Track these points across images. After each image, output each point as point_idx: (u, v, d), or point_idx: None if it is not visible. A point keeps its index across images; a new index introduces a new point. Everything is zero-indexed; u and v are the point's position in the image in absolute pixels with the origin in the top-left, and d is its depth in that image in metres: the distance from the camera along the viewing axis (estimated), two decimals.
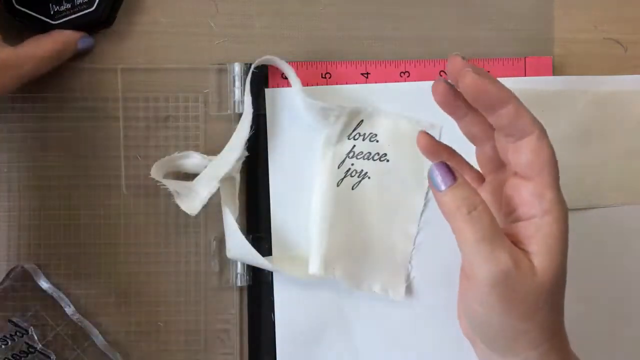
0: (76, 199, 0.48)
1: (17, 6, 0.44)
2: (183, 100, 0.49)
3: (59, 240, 0.48)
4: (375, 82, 0.49)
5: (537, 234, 0.34)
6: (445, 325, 0.46)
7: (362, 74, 0.49)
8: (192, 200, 0.47)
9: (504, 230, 0.35)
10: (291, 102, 0.48)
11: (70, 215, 0.48)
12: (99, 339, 0.47)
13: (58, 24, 0.45)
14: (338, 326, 0.49)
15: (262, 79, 0.48)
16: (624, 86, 0.50)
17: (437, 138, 0.48)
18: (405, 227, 0.49)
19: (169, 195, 0.47)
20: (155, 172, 0.46)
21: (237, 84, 0.48)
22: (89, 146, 0.48)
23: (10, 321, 0.47)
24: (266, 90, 0.48)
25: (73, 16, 0.45)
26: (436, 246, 0.48)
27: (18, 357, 0.47)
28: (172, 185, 0.46)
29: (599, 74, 0.50)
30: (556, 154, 0.37)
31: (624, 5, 0.51)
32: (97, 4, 0.44)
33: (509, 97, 0.35)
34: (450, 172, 0.35)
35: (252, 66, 0.47)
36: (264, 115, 0.48)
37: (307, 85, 0.48)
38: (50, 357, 0.47)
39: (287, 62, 0.47)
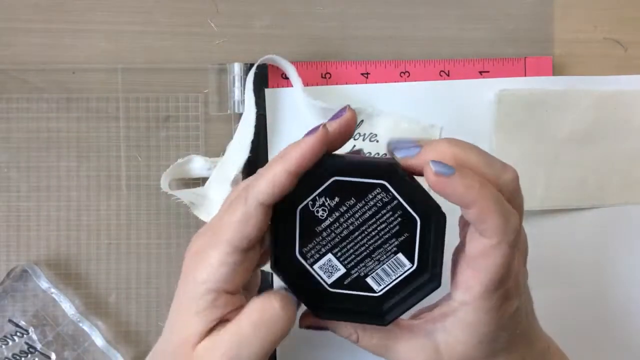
0: (76, 199, 0.48)
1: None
2: (183, 100, 0.49)
3: (59, 240, 0.48)
4: (375, 82, 0.49)
5: (452, 317, 0.34)
6: None
7: (362, 74, 0.49)
8: (208, 208, 0.47)
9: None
10: (291, 102, 0.48)
11: (70, 215, 0.48)
12: (99, 339, 0.47)
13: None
14: None
15: (262, 79, 0.48)
16: (625, 86, 0.50)
17: (437, 138, 0.49)
18: None
19: (168, 194, 0.47)
20: (164, 184, 0.46)
21: (237, 84, 0.48)
22: (89, 146, 0.48)
23: (10, 321, 0.47)
24: (266, 90, 0.48)
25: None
26: None
27: (18, 357, 0.47)
28: (185, 196, 0.47)
29: (599, 74, 0.50)
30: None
31: (624, 5, 0.51)
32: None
33: (474, 200, 0.31)
34: None
35: (255, 65, 0.47)
36: (264, 115, 0.48)
37: (307, 85, 0.48)
38: (50, 357, 0.47)
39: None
